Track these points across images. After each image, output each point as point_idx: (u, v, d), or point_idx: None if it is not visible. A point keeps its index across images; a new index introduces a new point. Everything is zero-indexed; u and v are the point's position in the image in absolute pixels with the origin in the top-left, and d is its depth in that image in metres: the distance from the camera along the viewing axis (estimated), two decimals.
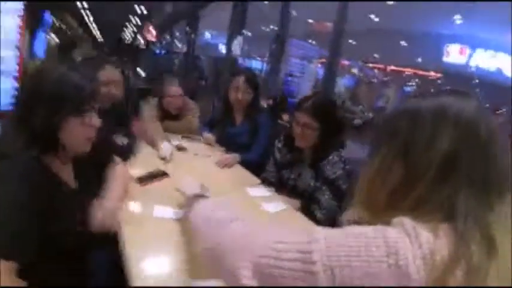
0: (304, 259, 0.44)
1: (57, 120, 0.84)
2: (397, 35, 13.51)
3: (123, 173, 1.24)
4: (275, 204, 1.36)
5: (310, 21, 12.76)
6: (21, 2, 2.41)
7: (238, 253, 0.52)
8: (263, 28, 13.36)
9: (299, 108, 1.45)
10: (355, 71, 15.04)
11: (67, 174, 0.97)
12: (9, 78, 2.38)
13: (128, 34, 22.19)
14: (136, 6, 13.73)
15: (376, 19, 12.43)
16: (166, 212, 1.17)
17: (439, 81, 14.61)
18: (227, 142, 2.08)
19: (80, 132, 0.89)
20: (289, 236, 0.49)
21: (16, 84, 2.40)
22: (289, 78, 8.53)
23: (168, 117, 2.23)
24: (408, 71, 15.17)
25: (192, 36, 7.41)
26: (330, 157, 1.45)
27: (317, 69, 11.39)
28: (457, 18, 11.08)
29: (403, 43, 14.10)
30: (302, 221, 1.27)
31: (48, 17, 6.46)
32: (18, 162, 0.81)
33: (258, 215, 1.26)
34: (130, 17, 16.13)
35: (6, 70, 2.36)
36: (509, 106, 9.50)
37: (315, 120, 1.40)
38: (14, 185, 0.78)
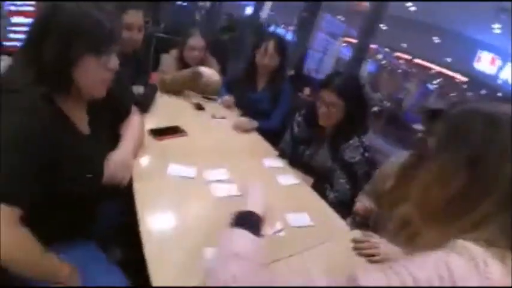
0: None
1: (72, 56, 0.76)
2: (430, 30, 12.83)
3: (139, 124, 1.19)
4: (288, 177, 1.35)
5: None
6: None
7: None
8: None
9: (325, 86, 1.39)
10: (380, 56, 14.48)
11: (80, 118, 0.90)
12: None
13: None
14: None
15: (413, 8, 11.78)
16: (181, 170, 1.16)
17: (464, 86, 14.08)
18: (246, 107, 2.03)
19: (96, 73, 0.82)
20: None
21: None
22: (313, 52, 8.22)
23: None
24: (434, 68, 14.58)
25: None
26: (351, 141, 1.41)
27: (340, 47, 10.96)
28: (496, 27, 10.47)
29: (435, 39, 13.44)
30: (313, 197, 1.26)
31: None
32: (25, 96, 0.73)
33: (271, 187, 1.25)
34: None
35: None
36: None
37: (342, 99, 1.36)
38: (17, 118, 0.70)
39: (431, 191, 0.48)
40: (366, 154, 1.42)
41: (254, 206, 0.72)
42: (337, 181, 1.43)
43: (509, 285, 0.37)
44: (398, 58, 15.65)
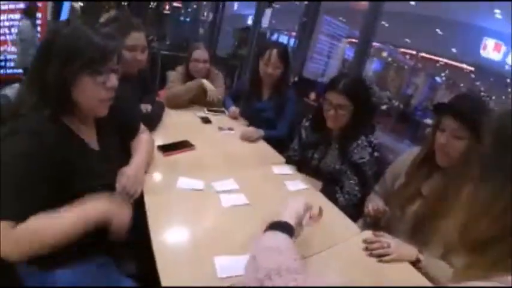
0: None
1: (69, 77, 0.81)
2: (433, 22, 12.65)
3: (148, 141, 1.24)
4: (296, 183, 1.35)
5: None
6: None
7: None
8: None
9: (332, 89, 1.39)
10: (384, 54, 14.32)
11: (89, 136, 0.95)
12: None
13: None
14: None
15: (413, 3, 11.68)
16: (190, 183, 1.18)
17: (472, 76, 13.74)
18: (252, 116, 2.05)
19: (93, 92, 0.86)
20: None
21: None
22: (317, 56, 8.19)
23: None
24: (441, 60, 14.30)
25: (220, 5, 7.17)
26: (359, 141, 1.41)
27: (345, 49, 10.89)
28: (497, 13, 10.24)
29: (438, 31, 13.24)
30: (322, 201, 1.25)
31: None
32: (30, 119, 0.79)
33: (279, 193, 1.26)
34: None
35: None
36: None
37: (349, 101, 1.37)
38: (21, 141, 0.75)
39: (478, 222, 0.41)
40: (375, 153, 1.41)
41: (289, 217, 0.75)
42: (347, 183, 1.42)
43: None
44: (404, 54, 15.44)
